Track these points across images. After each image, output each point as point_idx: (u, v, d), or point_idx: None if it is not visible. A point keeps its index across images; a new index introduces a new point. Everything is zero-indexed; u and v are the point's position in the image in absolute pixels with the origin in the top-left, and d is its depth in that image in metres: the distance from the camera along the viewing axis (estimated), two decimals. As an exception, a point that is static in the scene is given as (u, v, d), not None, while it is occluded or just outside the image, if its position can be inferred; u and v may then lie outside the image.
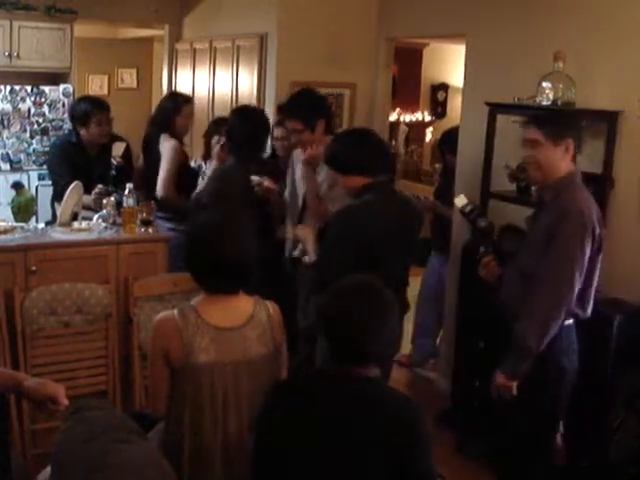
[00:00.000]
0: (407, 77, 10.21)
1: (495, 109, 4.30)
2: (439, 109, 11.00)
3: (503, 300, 3.29)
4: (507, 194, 4.29)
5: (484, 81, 4.85)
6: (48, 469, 2.54)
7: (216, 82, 6.75)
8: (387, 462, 2.42)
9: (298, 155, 4.30)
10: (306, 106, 4.16)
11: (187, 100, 5.38)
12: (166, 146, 5.09)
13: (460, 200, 3.50)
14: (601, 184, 3.96)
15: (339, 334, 2.47)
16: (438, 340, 5.63)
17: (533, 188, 4.15)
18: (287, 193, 4.47)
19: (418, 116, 10.85)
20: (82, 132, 5.08)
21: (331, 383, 2.54)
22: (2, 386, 2.50)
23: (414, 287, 5.60)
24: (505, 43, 4.66)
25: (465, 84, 5.16)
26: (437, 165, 8.98)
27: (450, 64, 10.28)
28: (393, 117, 9.78)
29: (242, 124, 4.61)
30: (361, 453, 2.41)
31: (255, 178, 4.32)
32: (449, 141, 5.40)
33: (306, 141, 4.11)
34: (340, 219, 3.51)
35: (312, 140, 4.09)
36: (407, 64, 9.96)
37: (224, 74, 6.59)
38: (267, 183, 4.33)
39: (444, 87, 10.91)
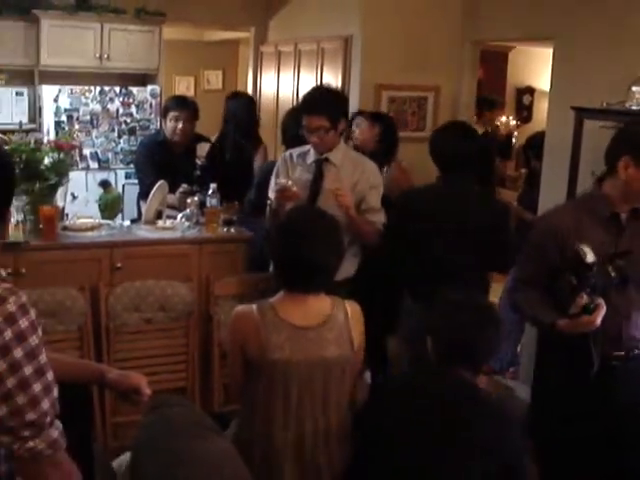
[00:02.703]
0: (492, 80, 10.07)
1: (582, 114, 4.20)
2: (525, 113, 10.82)
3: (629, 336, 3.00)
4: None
5: (571, 85, 4.74)
6: (123, 457, 2.59)
7: (300, 84, 6.78)
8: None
9: (288, 156, 4.05)
10: (334, 104, 3.88)
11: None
12: None
13: (590, 254, 2.78)
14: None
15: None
16: (519, 347, 5.53)
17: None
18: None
19: (503, 120, 10.68)
20: (163, 125, 5.27)
21: (439, 388, 2.59)
22: (86, 378, 2.55)
23: (496, 293, 5.54)
24: (594, 46, 4.55)
25: (551, 88, 5.07)
26: (522, 170, 8.84)
27: (536, 67, 10.11)
28: (477, 121, 9.68)
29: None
30: (461, 467, 2.41)
31: (282, 181, 3.81)
32: (535, 146, 5.31)
33: (329, 140, 3.84)
34: (400, 196, 4.08)
35: (334, 140, 3.86)
36: (492, 67, 9.84)
37: (308, 76, 6.62)
38: (296, 189, 3.75)
39: (530, 91, 10.72)
